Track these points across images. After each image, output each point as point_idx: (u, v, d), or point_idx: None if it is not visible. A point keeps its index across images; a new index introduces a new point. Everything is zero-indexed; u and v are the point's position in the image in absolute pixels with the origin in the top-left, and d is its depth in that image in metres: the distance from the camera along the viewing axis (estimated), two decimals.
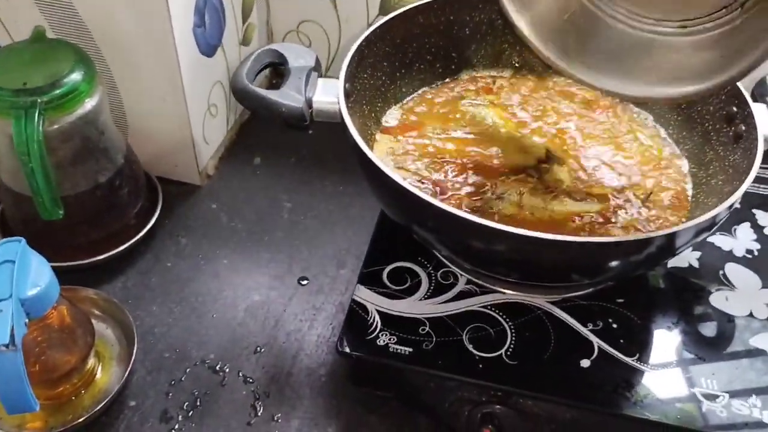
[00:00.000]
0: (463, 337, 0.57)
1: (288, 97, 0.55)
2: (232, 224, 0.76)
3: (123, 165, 0.68)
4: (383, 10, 0.80)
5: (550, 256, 0.50)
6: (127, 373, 0.61)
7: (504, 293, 0.60)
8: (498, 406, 0.55)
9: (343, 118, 0.53)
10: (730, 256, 0.64)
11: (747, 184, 0.51)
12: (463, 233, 0.49)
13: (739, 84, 0.58)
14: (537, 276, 0.55)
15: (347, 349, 0.56)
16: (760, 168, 0.53)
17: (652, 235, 0.49)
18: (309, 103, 0.56)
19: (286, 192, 0.80)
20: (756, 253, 0.65)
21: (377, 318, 0.58)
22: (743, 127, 0.57)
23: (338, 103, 0.55)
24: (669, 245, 0.51)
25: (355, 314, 0.58)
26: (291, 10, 0.85)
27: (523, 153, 0.62)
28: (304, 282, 0.70)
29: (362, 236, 0.72)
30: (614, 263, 0.52)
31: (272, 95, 0.54)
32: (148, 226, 0.71)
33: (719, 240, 0.66)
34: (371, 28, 0.62)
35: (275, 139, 0.85)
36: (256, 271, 0.71)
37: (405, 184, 0.49)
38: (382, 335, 0.57)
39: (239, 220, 0.76)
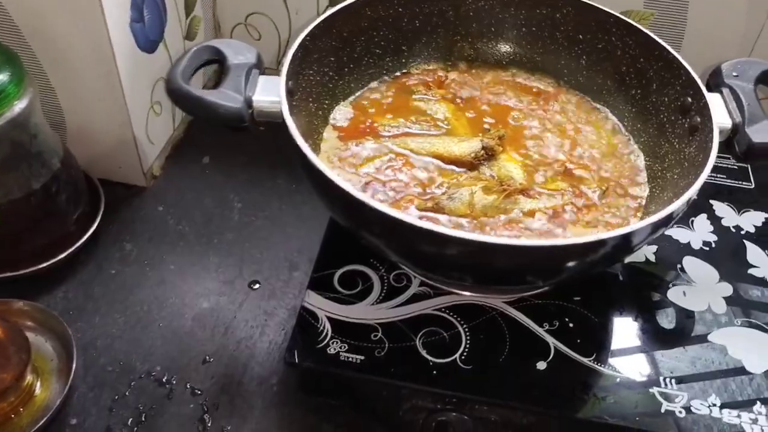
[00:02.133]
0: (417, 342, 0.55)
1: (226, 97, 0.52)
2: (180, 227, 0.73)
3: (59, 169, 0.64)
4: (333, 1, 0.78)
5: (503, 260, 0.48)
6: (66, 389, 0.58)
7: (459, 294, 0.58)
8: (453, 413, 0.53)
9: (285, 118, 0.50)
10: (687, 249, 0.63)
11: (703, 179, 0.50)
12: (410, 239, 0.46)
13: (694, 74, 0.57)
14: (490, 280, 0.54)
15: (296, 360, 0.54)
16: (717, 157, 0.52)
17: (607, 235, 0.47)
18: (249, 102, 0.53)
19: (236, 192, 0.77)
20: (713, 245, 0.64)
21: (328, 325, 0.56)
22: (698, 119, 0.55)
23: (280, 102, 0.52)
24: (625, 244, 0.50)
25: (305, 322, 0.56)
26: (238, 2, 0.82)
27: (469, 148, 0.60)
28: (256, 286, 0.68)
29: (316, 236, 0.68)
30: (569, 265, 0.50)
31: (209, 95, 0.51)
32: (89, 233, 0.68)
33: (676, 233, 0.64)
34: (315, 22, 0.59)
35: (225, 137, 0.81)
36: (205, 276, 0.68)
37: (348, 187, 0.46)
38: (332, 343, 0.55)
39: (187, 223, 0.73)
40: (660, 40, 0.59)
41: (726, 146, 0.55)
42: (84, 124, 0.71)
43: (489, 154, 0.59)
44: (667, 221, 0.50)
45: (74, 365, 0.59)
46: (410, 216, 0.45)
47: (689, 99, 0.57)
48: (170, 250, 0.71)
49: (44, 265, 0.65)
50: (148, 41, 0.70)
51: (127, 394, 0.59)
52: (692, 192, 0.49)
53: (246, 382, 0.60)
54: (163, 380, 0.60)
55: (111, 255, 0.70)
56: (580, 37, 0.65)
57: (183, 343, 0.63)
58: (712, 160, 0.51)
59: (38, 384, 0.59)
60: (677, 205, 0.48)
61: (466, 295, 0.58)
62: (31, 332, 0.60)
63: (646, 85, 0.62)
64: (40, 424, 0.55)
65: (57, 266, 0.66)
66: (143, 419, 0.58)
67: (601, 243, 0.47)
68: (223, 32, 0.85)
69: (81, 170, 0.70)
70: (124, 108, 0.68)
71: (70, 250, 0.67)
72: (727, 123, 0.54)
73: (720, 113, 0.54)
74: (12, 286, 0.64)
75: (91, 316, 0.65)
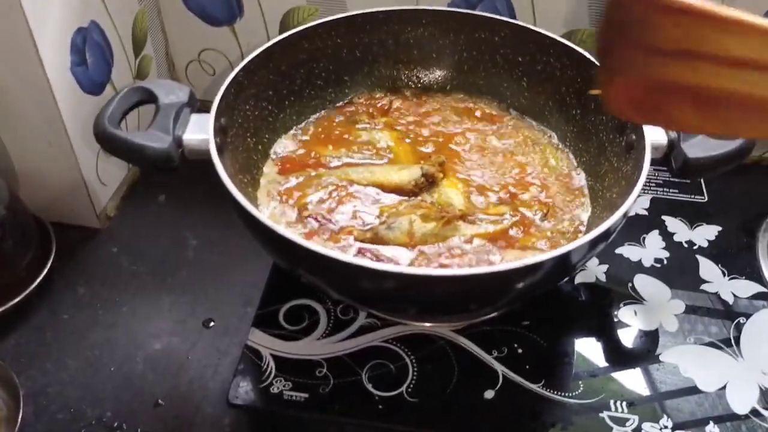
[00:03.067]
0: (363, 376, 0.54)
1: (154, 138, 0.52)
2: (134, 267, 0.72)
3: (5, 215, 0.64)
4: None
5: (441, 291, 0.47)
6: None
7: (406, 325, 0.57)
8: None
9: (212, 157, 0.50)
10: (638, 267, 0.63)
11: (635, 194, 0.49)
12: (345, 276, 0.46)
13: None
14: (433, 310, 0.53)
15: (238, 401, 0.53)
16: (666, 172, 0.51)
17: (544, 257, 0.46)
18: (178, 142, 0.53)
19: (191, 229, 0.76)
20: (665, 262, 0.63)
21: (272, 363, 0.55)
22: (633, 137, 0.55)
23: (209, 140, 0.51)
24: (564, 264, 0.49)
25: (249, 361, 0.55)
26: (190, 39, 0.82)
27: (409, 176, 0.60)
28: (210, 324, 0.67)
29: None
30: (510, 289, 0.49)
31: (136, 138, 0.51)
32: (40, 278, 0.68)
33: (627, 251, 0.64)
34: (249, 57, 0.59)
35: (182, 174, 0.81)
36: (158, 317, 0.68)
37: (276, 227, 0.46)
38: (276, 382, 0.54)
39: (141, 263, 0.73)
40: (595, 60, 0.59)
41: (664, 162, 0.55)
42: (33, 169, 0.70)
43: (430, 181, 0.58)
44: (603, 237, 0.49)
45: (20, 414, 0.58)
46: (341, 253, 0.45)
47: None
48: (123, 291, 0.70)
49: None
50: (94, 83, 0.70)
51: None
52: (626, 207, 0.49)
53: (198, 424, 0.59)
54: (114, 426, 0.59)
55: (64, 299, 0.69)
56: (520, 59, 0.65)
57: (134, 386, 0.62)
58: (644, 176, 0.50)
59: None
60: (612, 220, 0.48)
61: (415, 325, 0.57)
62: None
63: (585, 105, 0.61)
64: None
65: (8, 313, 0.66)
66: None
67: (538, 266, 0.46)
68: (177, 69, 0.86)
69: (30, 215, 0.69)
70: (70, 152, 0.68)
71: (21, 297, 0.66)
72: (663, 139, 0.54)
73: (655, 130, 0.54)
74: None
75: (42, 362, 0.64)
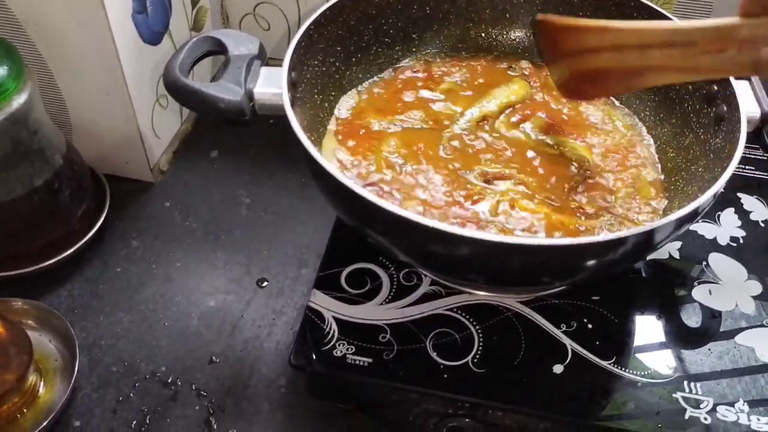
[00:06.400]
0: (427, 344, 0.53)
1: (226, 89, 0.50)
2: (187, 223, 0.71)
3: (62, 166, 0.63)
4: None
5: (517, 261, 0.45)
6: (69, 390, 0.56)
7: (471, 294, 0.56)
8: (466, 419, 0.51)
9: (286, 111, 0.48)
10: (713, 246, 0.60)
11: (729, 172, 0.47)
12: (417, 239, 0.44)
13: None
14: (504, 281, 0.51)
15: (301, 362, 0.52)
16: (746, 148, 0.49)
17: (628, 233, 0.44)
18: (250, 95, 0.51)
19: (244, 186, 0.75)
20: (741, 241, 0.61)
21: (334, 326, 0.54)
22: (725, 108, 0.52)
23: (281, 94, 0.50)
24: (647, 242, 0.47)
25: (311, 323, 0.54)
26: None
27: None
28: (264, 284, 0.66)
29: (326, 232, 0.66)
30: (588, 265, 0.47)
31: (208, 88, 0.49)
32: (94, 230, 0.67)
33: (702, 228, 0.61)
34: (320, 10, 0.57)
35: (234, 130, 0.80)
36: (212, 274, 0.67)
37: (349, 183, 0.44)
38: (339, 345, 0.53)
39: (194, 219, 0.72)
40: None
41: (755, 137, 0.52)
42: (89, 120, 0.69)
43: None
44: (691, 217, 0.47)
45: (77, 365, 0.57)
46: (415, 214, 0.43)
47: (715, 87, 0.54)
48: (177, 246, 0.69)
49: (48, 263, 0.64)
50: (152, 33, 0.68)
51: (131, 395, 0.58)
52: (718, 186, 0.46)
53: (253, 384, 0.59)
54: (168, 381, 0.59)
55: (117, 252, 0.68)
56: None
57: (189, 343, 0.61)
58: (739, 152, 0.47)
59: (42, 384, 0.58)
60: (702, 200, 0.45)
61: (480, 295, 0.55)
62: (33, 332, 0.59)
63: None
64: (43, 425, 0.54)
65: (61, 264, 0.65)
66: (147, 422, 0.56)
67: (621, 241, 0.44)
68: (231, 23, 0.83)
69: (86, 166, 0.68)
70: (128, 102, 0.66)
71: (75, 248, 0.65)
72: (756, 112, 0.51)
73: (748, 102, 0.51)
74: (16, 285, 0.63)
75: (96, 314, 0.63)
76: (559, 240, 0.48)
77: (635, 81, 0.48)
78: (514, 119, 0.61)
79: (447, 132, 0.59)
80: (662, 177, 0.57)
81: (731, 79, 0.52)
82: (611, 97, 0.64)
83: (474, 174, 0.56)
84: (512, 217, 0.53)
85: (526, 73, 0.65)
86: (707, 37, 0.41)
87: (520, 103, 0.62)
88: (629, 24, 0.45)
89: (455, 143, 0.57)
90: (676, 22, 0.46)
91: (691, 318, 0.55)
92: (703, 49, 0.41)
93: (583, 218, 0.53)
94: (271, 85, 0.51)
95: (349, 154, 0.58)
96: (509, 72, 0.65)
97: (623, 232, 0.44)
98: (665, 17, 0.58)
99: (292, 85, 0.52)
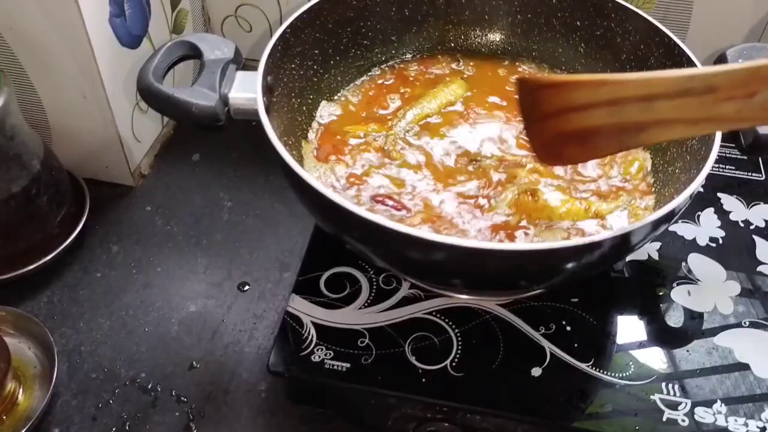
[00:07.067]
0: (406, 348, 0.53)
1: (200, 94, 0.49)
2: (168, 227, 0.71)
3: (40, 171, 0.62)
4: None
5: (493, 266, 0.45)
6: (48, 397, 0.56)
7: (451, 297, 0.56)
8: (444, 423, 0.51)
9: (260, 117, 0.48)
10: (693, 246, 0.60)
11: (705, 173, 0.47)
12: (394, 245, 0.44)
13: (696, 60, 0.54)
14: (481, 285, 0.51)
15: (279, 368, 0.51)
16: (724, 148, 0.49)
17: (604, 236, 0.44)
18: (225, 100, 0.50)
19: (226, 190, 0.75)
20: (720, 241, 0.61)
21: (312, 331, 0.53)
22: None
23: (257, 99, 0.49)
24: (623, 245, 0.47)
25: (289, 328, 0.54)
26: None
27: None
28: (245, 288, 0.66)
29: (308, 235, 0.66)
30: (565, 268, 0.47)
31: (181, 94, 0.49)
32: (74, 235, 0.66)
33: (681, 228, 0.61)
34: (297, 13, 0.56)
35: (216, 133, 0.79)
36: (193, 279, 0.66)
37: (324, 190, 0.44)
38: (317, 350, 0.52)
39: (175, 223, 0.71)
40: (660, 26, 0.56)
41: (732, 138, 0.52)
42: (68, 124, 0.69)
43: None
44: (668, 218, 0.47)
45: (56, 372, 0.57)
46: (394, 223, 0.42)
47: None
48: (158, 251, 0.69)
49: (27, 269, 0.64)
50: (131, 36, 0.67)
51: (111, 401, 0.58)
52: (694, 187, 0.46)
53: (233, 389, 0.58)
54: (148, 387, 0.59)
55: (97, 257, 0.68)
56: (578, 23, 0.62)
57: (169, 348, 0.61)
58: (714, 153, 0.47)
59: (21, 391, 0.58)
60: (678, 201, 0.45)
61: (459, 298, 0.55)
62: (11, 338, 0.59)
63: None
64: None
65: (40, 270, 0.65)
66: (127, 428, 0.56)
67: (596, 245, 0.44)
68: (212, 25, 0.83)
69: (65, 171, 0.68)
70: (107, 106, 0.66)
71: (54, 254, 0.65)
72: None
73: None
74: None
75: (75, 320, 0.63)
76: (535, 245, 0.48)
77: (633, 138, 0.41)
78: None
79: (390, 133, 0.59)
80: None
81: None
82: None
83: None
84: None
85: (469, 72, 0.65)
86: (733, 82, 0.35)
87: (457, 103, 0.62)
88: (632, 75, 0.40)
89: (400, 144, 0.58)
90: (692, 69, 0.38)
91: (671, 319, 0.55)
92: (727, 95, 0.36)
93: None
94: (247, 90, 0.51)
95: (327, 157, 0.57)
96: (453, 66, 0.65)
97: (599, 236, 0.44)
98: (643, 18, 0.58)
99: (269, 90, 0.52)
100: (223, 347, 0.61)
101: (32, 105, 0.67)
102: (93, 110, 0.67)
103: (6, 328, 0.60)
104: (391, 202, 0.53)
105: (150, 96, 0.49)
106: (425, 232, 0.42)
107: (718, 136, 0.49)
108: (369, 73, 0.64)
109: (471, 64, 0.66)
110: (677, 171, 0.53)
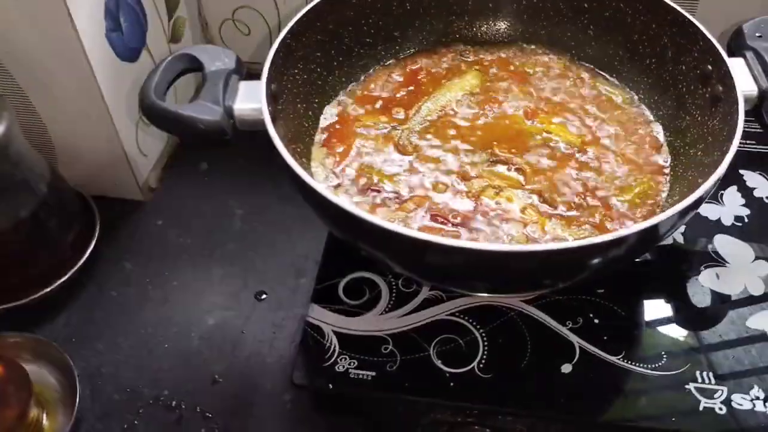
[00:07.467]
0: (431, 352, 0.52)
1: (204, 109, 0.48)
2: (181, 240, 0.70)
3: (47, 194, 0.62)
4: None
5: (517, 267, 0.44)
6: (72, 423, 0.55)
7: (473, 296, 0.54)
8: (475, 426, 0.50)
9: (267, 126, 0.46)
10: (718, 227, 0.59)
11: (730, 156, 0.45)
12: (409, 252, 0.43)
13: (712, 38, 0.52)
14: (504, 287, 0.50)
15: (302, 381, 0.51)
16: (746, 122, 0.47)
17: (630, 230, 0.42)
18: (229, 112, 0.49)
19: (236, 198, 0.73)
20: (746, 220, 0.59)
21: (335, 340, 0.52)
22: (720, 88, 0.50)
23: (261, 109, 0.48)
24: (651, 237, 0.46)
25: (310, 338, 0.53)
26: None
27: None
28: (262, 297, 0.65)
29: (322, 239, 0.65)
30: (592, 264, 0.46)
31: (185, 110, 0.48)
32: (86, 256, 0.65)
33: (705, 209, 0.60)
34: (296, 17, 0.55)
35: None
36: (209, 291, 0.65)
37: (335, 198, 0.42)
38: (341, 360, 0.51)
39: (188, 235, 0.70)
40: (672, 3, 0.54)
41: (754, 115, 0.50)
42: (72, 143, 0.68)
43: None
44: (695, 206, 0.45)
45: (78, 396, 0.56)
46: (406, 228, 0.41)
47: (709, 66, 0.52)
48: (172, 265, 0.68)
49: (41, 293, 0.63)
50: (129, 50, 0.66)
51: (136, 422, 0.57)
52: (720, 172, 0.44)
53: (258, 402, 0.58)
54: (172, 405, 0.58)
55: (111, 276, 0.67)
56: (585, 5, 0.60)
57: (190, 364, 0.60)
58: (738, 133, 0.46)
59: (45, 417, 0.57)
60: (705, 187, 0.44)
61: (481, 297, 0.54)
62: (31, 365, 0.58)
63: (661, 54, 0.56)
64: None
65: (55, 292, 0.64)
66: None
67: (623, 240, 0.43)
68: (210, 30, 0.82)
69: (72, 191, 0.67)
70: (109, 122, 0.65)
71: (68, 275, 0.64)
72: (753, 90, 0.49)
73: (744, 80, 0.49)
74: (10, 318, 0.62)
75: (94, 342, 0.62)
76: (559, 244, 0.46)
77: None
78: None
79: (404, 127, 0.57)
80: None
81: (725, 56, 0.51)
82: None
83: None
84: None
85: (486, 61, 0.64)
86: None
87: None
88: None
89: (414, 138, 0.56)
90: None
91: (700, 304, 0.54)
92: None
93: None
94: (251, 101, 0.50)
95: (339, 161, 0.56)
96: (461, 57, 0.63)
97: (626, 231, 0.42)
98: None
99: (273, 98, 0.50)
100: (244, 359, 0.60)
101: (35, 127, 0.66)
102: (96, 128, 0.65)
103: (25, 355, 0.59)
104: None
105: (154, 115, 0.48)
106: (441, 238, 0.41)
107: (741, 116, 0.47)
108: (374, 70, 0.63)
109: (479, 54, 0.64)
110: (699, 153, 0.51)
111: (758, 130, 0.63)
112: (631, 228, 0.41)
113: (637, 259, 0.57)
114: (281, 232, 0.70)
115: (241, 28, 0.80)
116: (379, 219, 0.42)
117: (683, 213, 0.43)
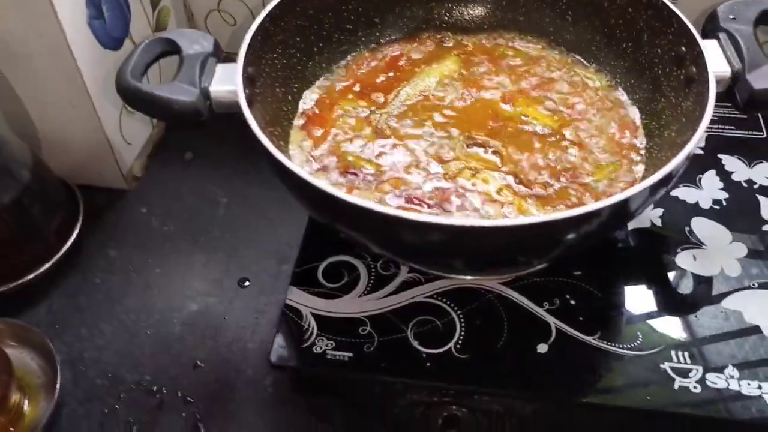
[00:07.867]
0: (408, 333, 0.52)
1: (180, 90, 0.48)
2: (165, 228, 0.70)
3: (30, 181, 0.62)
4: None
5: (491, 242, 0.44)
6: (53, 406, 0.55)
7: (451, 279, 0.55)
8: (452, 407, 0.50)
9: (242, 108, 0.47)
10: (695, 210, 0.59)
11: (700, 133, 0.46)
12: (386, 230, 0.43)
13: (686, 20, 0.52)
14: (480, 264, 0.50)
15: (281, 362, 0.51)
16: (722, 108, 0.47)
17: (601, 204, 0.43)
18: (205, 94, 0.49)
19: (220, 185, 0.74)
20: (724, 203, 0.59)
21: (313, 322, 0.53)
22: (694, 69, 0.51)
23: (237, 91, 0.48)
24: (622, 212, 0.46)
25: (289, 321, 0.53)
26: None
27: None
28: (245, 284, 0.65)
29: (304, 226, 0.66)
30: (565, 239, 0.46)
31: (161, 91, 0.48)
32: (69, 243, 0.66)
33: (683, 192, 0.60)
34: (275, 1, 0.55)
35: (208, 129, 0.78)
36: (192, 278, 0.66)
37: (309, 178, 0.43)
38: (318, 341, 0.52)
39: (171, 223, 0.70)
40: None
41: (727, 96, 0.50)
42: (56, 131, 0.68)
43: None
44: (665, 182, 0.45)
45: (59, 380, 0.56)
46: (381, 205, 0.41)
47: (683, 48, 0.52)
48: (155, 253, 0.68)
49: (25, 279, 0.63)
50: (112, 38, 0.66)
51: (117, 406, 0.57)
52: (690, 148, 0.45)
53: (239, 387, 0.58)
54: (154, 390, 0.58)
55: (95, 263, 0.67)
56: None
57: (172, 349, 0.61)
58: (709, 112, 0.46)
59: (26, 402, 0.57)
60: (675, 163, 0.44)
61: (459, 279, 0.54)
62: (13, 350, 0.58)
63: (637, 37, 0.57)
64: None
65: (39, 280, 0.64)
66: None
67: (594, 213, 0.43)
68: (196, 21, 0.82)
69: (56, 179, 0.67)
70: (93, 111, 0.65)
71: (51, 262, 0.64)
72: (726, 71, 0.49)
73: (717, 61, 0.50)
74: None
75: (77, 328, 0.62)
76: (532, 218, 0.47)
77: None
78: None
79: (383, 111, 0.58)
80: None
81: (698, 37, 0.51)
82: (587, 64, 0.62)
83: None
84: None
85: (465, 46, 0.64)
86: None
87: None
88: None
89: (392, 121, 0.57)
90: None
91: (677, 285, 0.54)
92: None
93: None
94: (227, 83, 0.50)
95: (317, 144, 0.56)
96: (441, 43, 0.64)
97: (597, 204, 0.42)
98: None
99: (250, 81, 0.51)
100: (226, 345, 0.61)
101: (19, 115, 0.66)
102: (79, 116, 0.66)
103: (7, 340, 0.59)
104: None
105: (129, 96, 0.48)
106: (415, 214, 0.41)
107: (712, 96, 0.47)
108: (354, 56, 0.63)
109: (459, 39, 0.65)
110: (673, 134, 0.52)
111: (736, 115, 0.64)
112: (603, 202, 0.42)
113: (619, 245, 0.57)
114: (265, 219, 0.70)
115: (226, 19, 0.81)
116: (353, 197, 0.42)
117: (654, 188, 0.43)
